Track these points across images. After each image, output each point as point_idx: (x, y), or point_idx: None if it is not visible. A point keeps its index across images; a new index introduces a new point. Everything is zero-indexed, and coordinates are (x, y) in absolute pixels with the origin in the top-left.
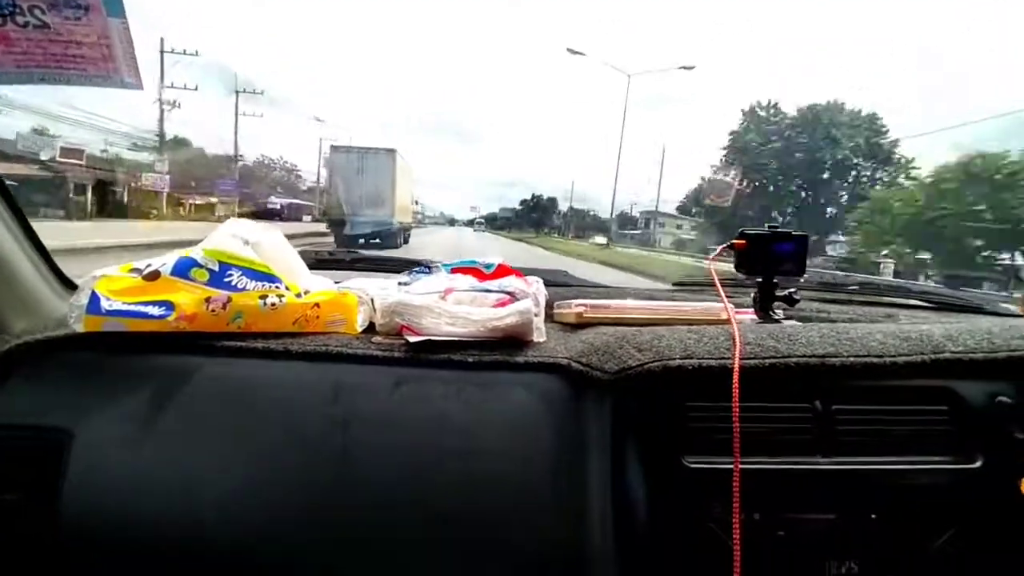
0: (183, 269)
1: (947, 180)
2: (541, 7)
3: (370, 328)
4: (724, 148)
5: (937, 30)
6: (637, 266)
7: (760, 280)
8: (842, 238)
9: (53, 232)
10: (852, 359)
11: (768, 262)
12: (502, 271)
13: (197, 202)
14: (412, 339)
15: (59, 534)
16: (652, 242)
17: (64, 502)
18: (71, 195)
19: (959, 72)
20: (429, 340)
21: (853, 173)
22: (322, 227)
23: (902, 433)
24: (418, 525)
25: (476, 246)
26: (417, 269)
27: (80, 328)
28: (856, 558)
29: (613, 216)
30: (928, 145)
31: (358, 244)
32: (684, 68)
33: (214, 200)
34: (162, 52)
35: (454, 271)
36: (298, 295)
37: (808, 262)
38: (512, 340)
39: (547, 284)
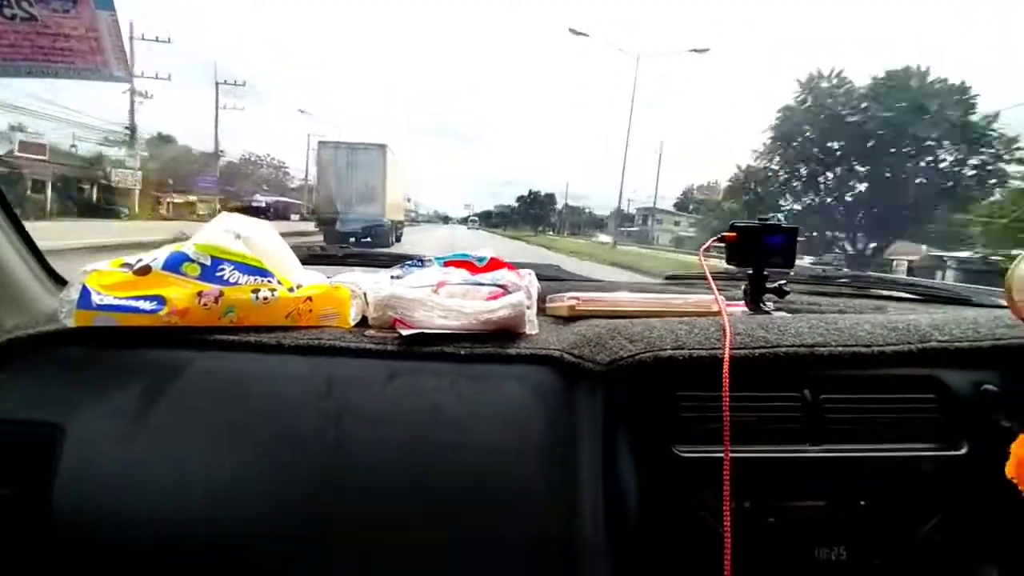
0: (174, 264)
1: None
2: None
3: (363, 322)
4: (771, 127)
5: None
6: (646, 266)
7: (751, 273)
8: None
9: None
10: (841, 349)
11: (758, 254)
12: (494, 264)
13: (175, 200)
14: (405, 332)
15: (52, 529)
16: (651, 239)
17: (56, 497)
18: (28, 192)
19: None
20: (422, 333)
21: (945, 157)
22: (310, 226)
23: (890, 421)
24: (411, 517)
25: (470, 244)
26: (409, 263)
27: (71, 323)
28: (845, 544)
29: (617, 211)
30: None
31: (348, 243)
32: (696, 51)
33: (193, 198)
34: (131, 38)
35: (447, 264)
36: (290, 289)
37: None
38: (505, 332)
39: (539, 278)
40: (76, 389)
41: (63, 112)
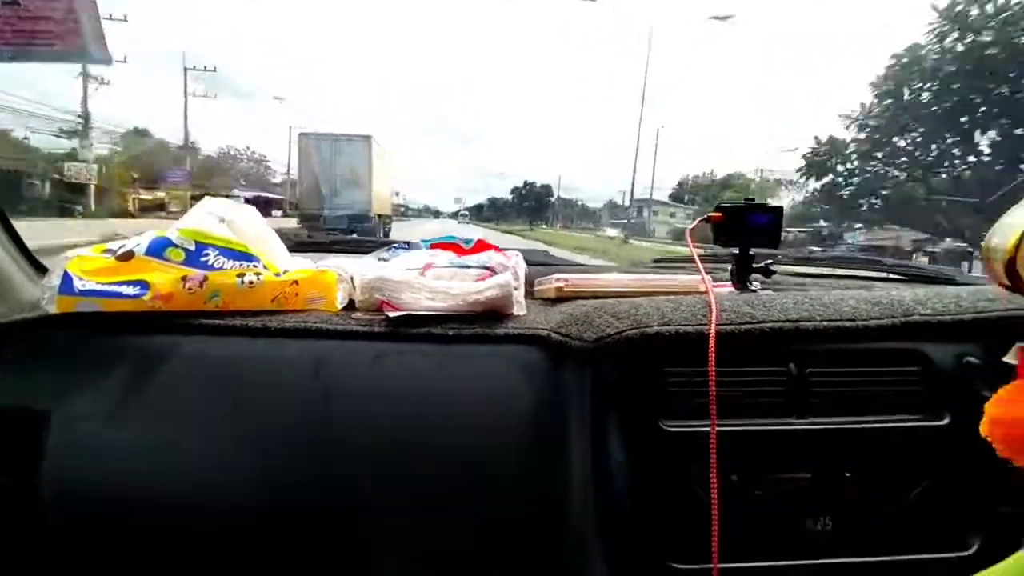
0: (158, 249)
1: None
2: None
3: (350, 305)
4: (882, 79)
5: None
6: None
7: (737, 253)
8: None
9: None
10: (825, 323)
11: (744, 234)
12: (481, 246)
13: (143, 196)
14: (392, 314)
15: (40, 516)
16: (648, 232)
17: (44, 484)
18: None
19: None
20: (409, 315)
21: None
22: (292, 222)
23: (874, 394)
24: (400, 497)
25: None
26: (396, 245)
27: (53, 309)
28: (831, 514)
29: (632, 200)
30: None
31: None
32: (718, 18)
33: (162, 195)
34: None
35: (433, 247)
36: (276, 274)
37: None
38: (492, 314)
39: (527, 263)
40: (61, 375)
41: (13, 101)
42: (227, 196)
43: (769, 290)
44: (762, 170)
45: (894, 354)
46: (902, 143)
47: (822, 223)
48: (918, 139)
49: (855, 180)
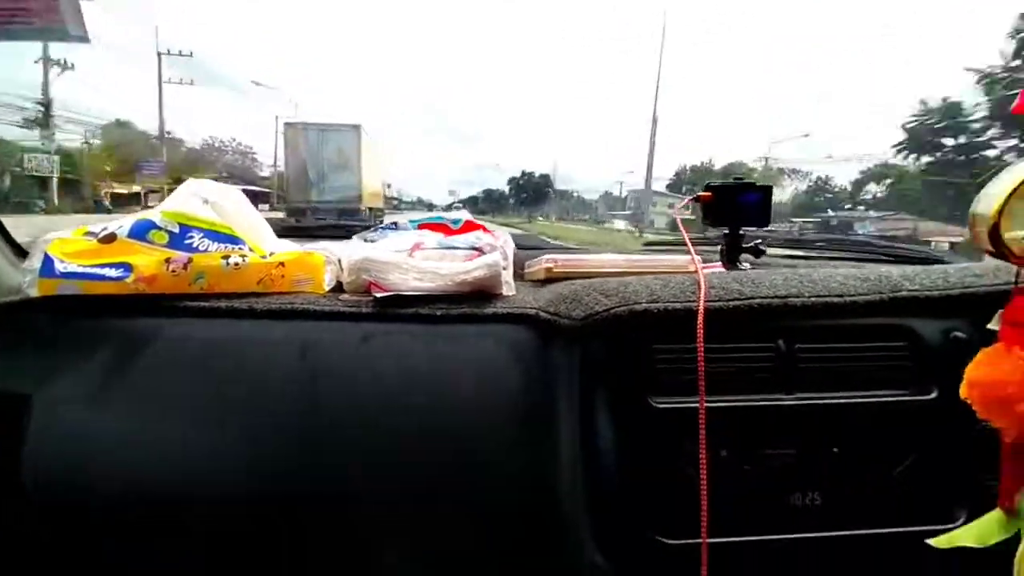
0: (141, 231)
1: None
2: None
3: (338, 287)
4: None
5: None
6: None
7: (727, 233)
8: None
9: None
10: (814, 299)
11: (734, 213)
12: (469, 226)
13: (116, 189)
14: (379, 295)
15: (22, 500)
16: (647, 223)
17: (25, 469)
18: None
19: None
20: (397, 295)
21: None
22: (280, 216)
23: (862, 369)
24: (389, 478)
25: None
26: (383, 226)
27: (34, 292)
28: (819, 489)
29: (649, 190)
30: None
31: None
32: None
33: (137, 188)
34: None
35: (421, 227)
36: (263, 256)
37: None
38: (481, 294)
39: (519, 247)
40: (43, 359)
41: None
42: None
43: (759, 270)
44: (767, 158)
45: (882, 330)
46: None
47: (830, 213)
48: None
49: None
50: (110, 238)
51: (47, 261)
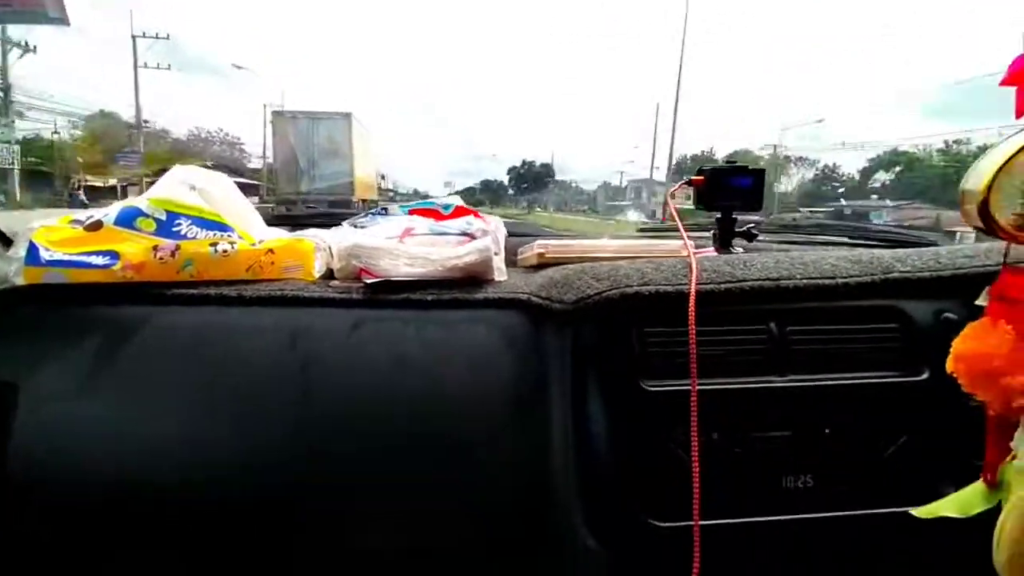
0: (127, 219)
1: None
2: None
3: (328, 274)
4: None
5: None
6: None
7: (719, 217)
8: None
9: None
10: (805, 281)
11: (727, 197)
12: (460, 212)
13: (91, 183)
14: (370, 281)
15: (8, 490)
16: (649, 214)
17: (10, 459)
18: None
19: None
20: (387, 281)
21: None
22: (268, 207)
23: (853, 351)
24: (381, 465)
25: None
26: (374, 212)
27: (20, 281)
28: (811, 471)
29: (670, 174)
30: None
31: None
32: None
33: (113, 181)
34: None
35: (411, 212)
36: (252, 243)
37: None
38: (472, 279)
39: (512, 235)
40: (30, 348)
41: None
42: None
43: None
44: (776, 146)
45: (874, 311)
46: None
47: (843, 202)
48: None
49: None
50: (96, 226)
51: (32, 249)
